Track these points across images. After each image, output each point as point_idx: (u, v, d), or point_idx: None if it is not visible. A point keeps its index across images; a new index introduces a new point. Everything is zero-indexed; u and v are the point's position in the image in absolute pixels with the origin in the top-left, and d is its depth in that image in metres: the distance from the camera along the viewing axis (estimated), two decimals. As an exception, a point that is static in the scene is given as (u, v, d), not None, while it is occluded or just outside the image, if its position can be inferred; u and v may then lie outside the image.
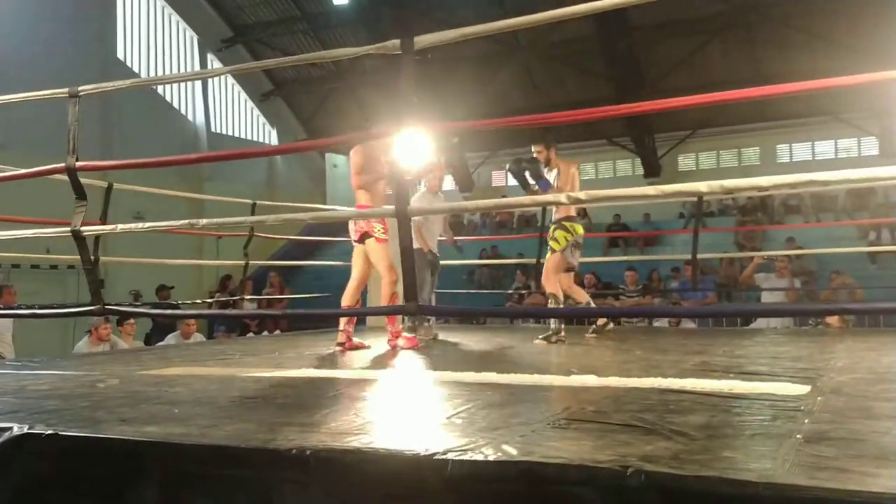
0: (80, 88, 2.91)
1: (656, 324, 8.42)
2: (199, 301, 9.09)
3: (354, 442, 1.97)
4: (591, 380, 3.29)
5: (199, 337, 7.70)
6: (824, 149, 18.18)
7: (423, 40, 2.38)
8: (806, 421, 2.25)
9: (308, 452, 1.84)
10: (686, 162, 19.70)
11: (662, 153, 19.10)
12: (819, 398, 2.69)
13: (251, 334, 8.93)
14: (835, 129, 17.49)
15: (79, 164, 2.93)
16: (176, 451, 1.98)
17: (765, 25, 15.74)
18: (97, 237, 4.92)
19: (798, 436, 2.02)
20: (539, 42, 17.46)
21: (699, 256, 7.23)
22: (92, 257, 4.95)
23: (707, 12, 15.87)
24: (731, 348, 4.93)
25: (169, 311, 6.67)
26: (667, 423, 2.21)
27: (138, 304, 10.96)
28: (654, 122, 18.25)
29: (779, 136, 18.37)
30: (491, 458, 1.76)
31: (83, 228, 2.88)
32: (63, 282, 12.49)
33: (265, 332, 9.21)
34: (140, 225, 2.94)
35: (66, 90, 2.92)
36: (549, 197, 2.39)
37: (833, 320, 6.94)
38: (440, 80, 17.46)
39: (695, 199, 7.88)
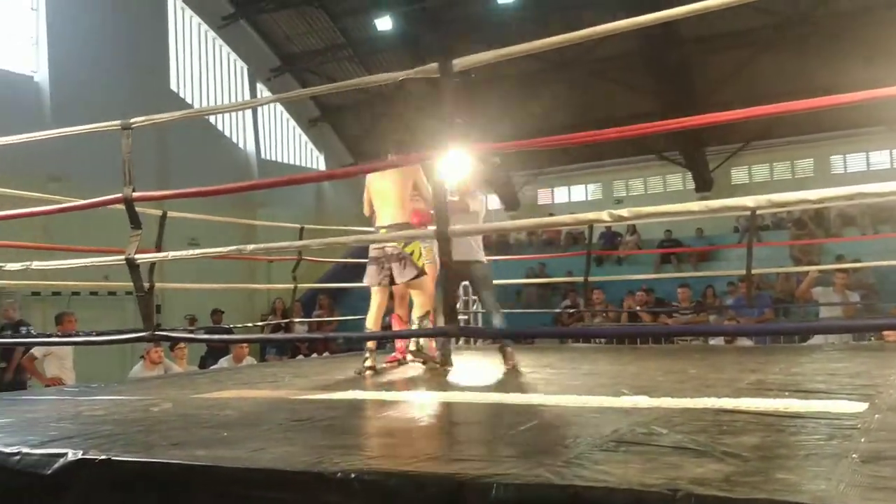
0: (132, 121, 3.01)
1: (711, 342, 8.25)
2: (250, 325, 9.22)
3: (400, 465, 1.97)
4: (642, 400, 3.22)
5: (251, 360, 7.81)
6: (880, 159, 17.70)
7: (462, 62, 2.40)
8: (863, 440, 2.17)
9: (353, 476, 1.85)
10: (738, 175, 19.36)
11: (714, 167, 18.80)
12: (876, 416, 2.60)
13: (301, 357, 9.02)
14: (890, 139, 16.98)
15: (135, 194, 3.02)
16: (224, 475, 2.00)
17: (816, 37, 15.45)
18: (152, 264, 5.04)
19: (854, 455, 1.95)
20: (584, 58, 17.39)
21: (754, 271, 7.05)
22: (147, 284, 5.11)
23: (757, 24, 15.65)
24: (788, 365, 4.80)
25: (216, 337, 6.76)
26: (719, 444, 2.16)
27: (193, 328, 11.19)
28: (705, 135, 17.99)
29: (833, 147, 17.95)
30: (536, 481, 1.74)
31: (137, 256, 2.96)
32: (122, 308, 12.80)
33: (314, 355, 9.30)
34: (190, 252, 3.02)
35: (118, 123, 3.02)
36: (591, 215, 2.37)
37: (891, 335, 6.71)
38: (483, 100, 17.55)
39: (748, 213, 7.72)
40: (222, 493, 2.02)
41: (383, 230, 4.85)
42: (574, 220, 2.38)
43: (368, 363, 4.92)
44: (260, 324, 9.36)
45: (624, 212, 2.17)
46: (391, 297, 5.26)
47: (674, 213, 2.27)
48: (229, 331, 9.03)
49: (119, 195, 3.04)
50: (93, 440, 2.51)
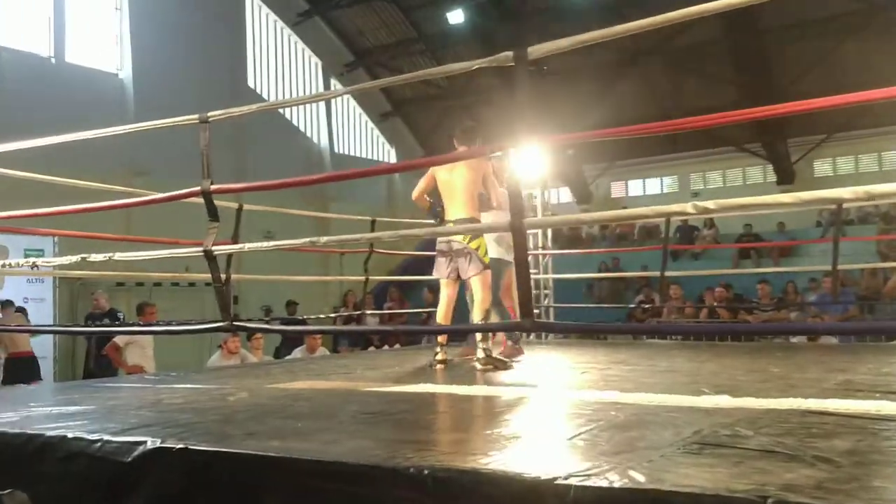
0: (209, 114, 3.06)
1: (793, 339, 7.95)
2: (322, 316, 9.34)
3: (472, 462, 1.92)
4: (723, 400, 3.10)
5: (323, 351, 7.92)
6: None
7: (537, 50, 2.33)
8: (968, 448, 2.02)
9: (426, 472, 1.82)
10: (822, 167, 18.62)
11: (796, 159, 18.12)
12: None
13: (372, 348, 9.09)
14: None
15: (213, 187, 3.07)
16: (298, 467, 2.00)
17: (905, 22, 14.70)
18: (229, 256, 5.14)
19: (960, 465, 1.82)
20: (661, 48, 17.01)
21: (839, 267, 6.75)
22: (223, 275, 5.22)
23: (842, 11, 14.99)
24: (877, 365, 4.56)
25: (290, 328, 6.87)
26: (809, 448, 2.05)
27: (269, 318, 11.42)
28: (787, 126, 17.34)
29: (925, 137, 17.06)
30: (617, 484, 1.67)
31: (214, 248, 3.01)
32: (201, 298, 13.16)
33: (385, 346, 9.36)
34: (265, 244, 3.04)
35: (196, 116, 3.07)
36: (675, 207, 2.26)
37: None
38: (557, 94, 17.35)
39: (832, 206, 7.39)
40: (295, 484, 2.01)
41: (450, 224, 4.82)
42: (655, 213, 2.29)
43: (439, 356, 4.90)
44: (332, 315, 9.46)
45: (710, 203, 2.07)
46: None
47: (762, 204, 2.15)
48: (303, 322, 9.18)
49: (197, 188, 3.10)
50: (171, 429, 2.56)
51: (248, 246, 3.12)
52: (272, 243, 3.02)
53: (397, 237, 2.80)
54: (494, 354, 4.84)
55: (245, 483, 2.12)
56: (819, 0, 14.82)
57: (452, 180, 4.85)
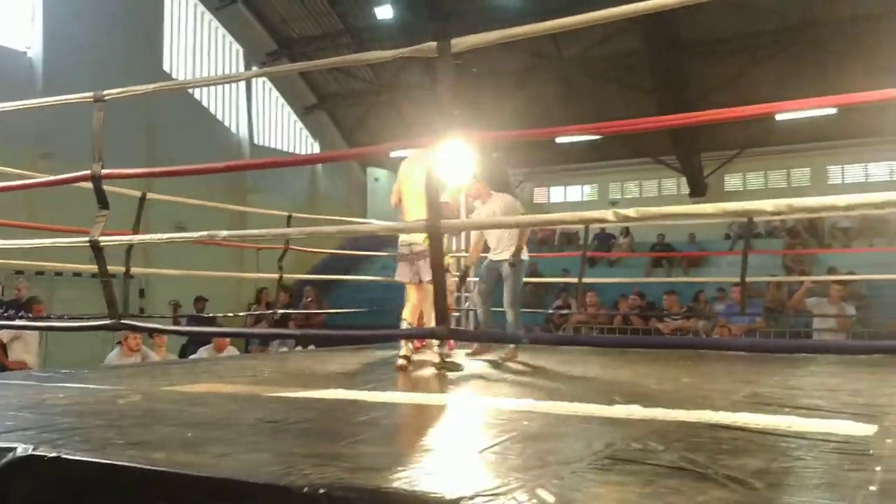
0: (105, 92, 2.82)
1: (702, 348, 8.11)
2: (231, 315, 9.00)
3: (374, 480, 1.79)
4: (635, 410, 3.07)
5: (233, 350, 7.61)
6: (878, 171, 17.62)
7: (460, 42, 2.23)
8: (878, 468, 2.01)
9: (321, 492, 1.68)
10: (733, 182, 19.28)
11: (709, 173, 18.71)
12: (888, 440, 2.44)
13: (285, 349, 8.82)
14: (889, 150, 16.92)
15: (103, 171, 2.83)
16: (180, 483, 1.83)
17: (817, 47, 15.36)
18: (129, 248, 4.85)
19: (871, 487, 1.79)
20: (584, 56, 17.30)
21: (747, 279, 6.92)
22: (124, 268, 4.92)
23: (757, 30, 15.55)
24: (784, 378, 4.65)
25: (184, 329, 6.56)
26: (720, 466, 2.00)
27: (177, 314, 10.98)
28: (701, 140, 17.95)
29: (830, 157, 17.88)
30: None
31: (101, 238, 2.78)
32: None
33: (299, 347, 9.11)
34: (157, 236, 2.83)
35: (90, 94, 2.83)
36: (595, 214, 2.20)
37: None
38: (483, 96, 17.41)
39: (744, 219, 7.58)
40: (178, 501, 1.84)
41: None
42: (578, 219, 2.22)
43: (403, 352, 4.94)
44: (241, 314, 9.14)
45: (630, 211, 2.01)
46: None
47: (682, 214, 2.10)
48: (212, 319, 8.84)
49: (86, 172, 2.86)
50: (48, 434, 2.34)
51: (136, 238, 2.90)
52: (165, 235, 2.81)
53: (306, 235, 2.64)
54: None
55: (124, 498, 1.93)
56: (735, 18, 15.32)
57: (412, 184, 4.83)
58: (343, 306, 10.20)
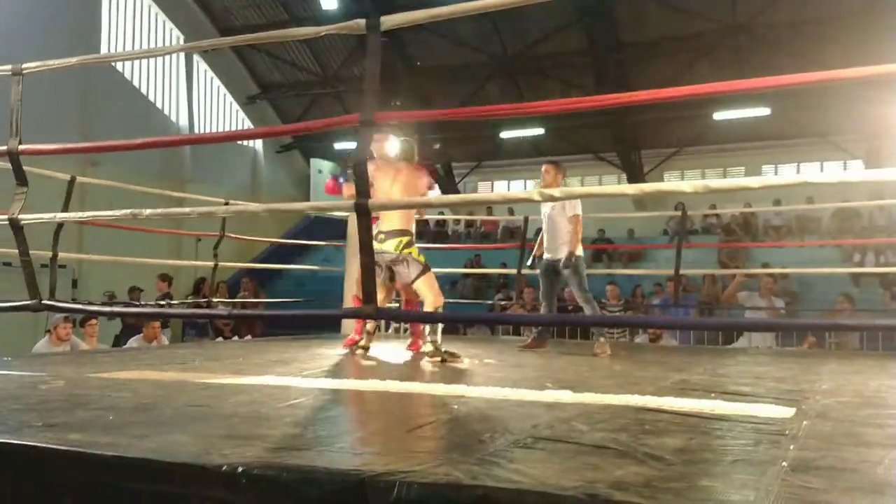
0: (23, 66, 2.72)
1: (637, 340, 8.29)
2: (162, 303, 8.80)
3: (295, 459, 1.78)
4: (565, 395, 3.12)
5: (167, 341, 7.44)
6: (809, 169, 18.18)
7: (389, 20, 2.22)
8: (791, 447, 2.08)
9: (240, 470, 1.65)
10: (671, 178, 19.69)
11: (648, 170, 19.07)
12: (805, 422, 2.52)
13: (221, 339, 8.68)
14: (821, 151, 17.50)
15: (21, 147, 2.73)
16: (95, 463, 1.78)
17: (755, 48, 15.77)
18: (56, 232, 4.72)
19: (783, 463, 1.85)
20: (526, 54, 17.47)
21: (682, 272, 7.09)
22: (51, 252, 4.78)
23: (697, 31, 15.89)
24: (713, 367, 4.78)
25: (119, 310, 6.36)
26: (641, 444, 2.04)
27: (111, 305, 10.68)
28: (641, 137, 18.31)
29: (765, 156, 18.37)
30: (442, 481, 1.58)
31: (21, 217, 2.68)
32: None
33: (236, 337, 8.97)
34: (80, 214, 2.74)
35: (8, 67, 2.73)
36: (522, 194, 2.22)
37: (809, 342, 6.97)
38: (430, 92, 17.45)
39: (678, 216, 7.75)
40: (94, 482, 1.79)
41: (381, 236, 4.77)
42: (502, 198, 2.23)
43: (363, 342, 5.11)
44: (173, 303, 8.95)
45: (555, 191, 2.03)
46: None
47: (606, 194, 2.14)
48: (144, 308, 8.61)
49: (3, 147, 2.75)
50: (-41, 418, 2.25)
51: (59, 216, 2.81)
52: (88, 214, 2.73)
53: (232, 213, 2.59)
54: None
55: (40, 480, 1.87)
56: (676, 19, 15.63)
57: (392, 193, 4.83)
58: (283, 297, 10.08)
